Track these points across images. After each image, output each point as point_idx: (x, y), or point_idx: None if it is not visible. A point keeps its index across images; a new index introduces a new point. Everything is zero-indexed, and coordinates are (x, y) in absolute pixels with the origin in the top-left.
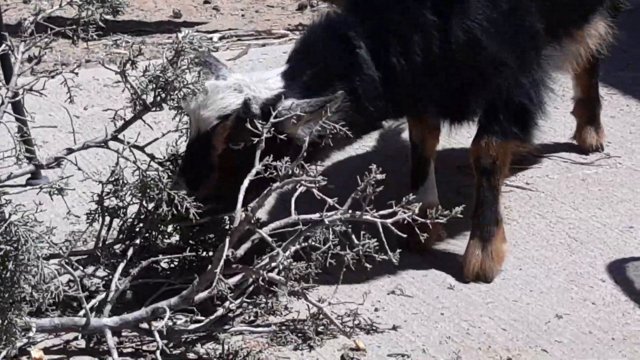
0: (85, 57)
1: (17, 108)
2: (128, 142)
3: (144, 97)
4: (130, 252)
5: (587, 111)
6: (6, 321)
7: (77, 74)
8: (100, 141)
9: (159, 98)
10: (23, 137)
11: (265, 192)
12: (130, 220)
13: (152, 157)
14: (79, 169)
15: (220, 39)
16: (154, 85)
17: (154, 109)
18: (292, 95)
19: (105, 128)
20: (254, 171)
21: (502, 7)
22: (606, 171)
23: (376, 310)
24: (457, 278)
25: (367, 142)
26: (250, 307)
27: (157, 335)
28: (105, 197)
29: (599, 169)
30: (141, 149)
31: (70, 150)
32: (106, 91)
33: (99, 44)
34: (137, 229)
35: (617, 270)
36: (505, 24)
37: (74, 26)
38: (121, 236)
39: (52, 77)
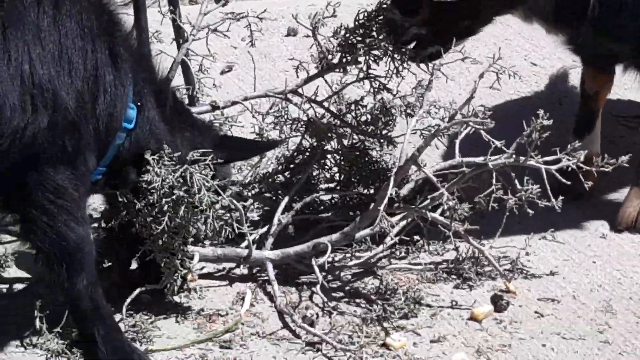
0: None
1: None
2: (306, 96)
3: (329, 57)
4: (293, 188)
5: None
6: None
7: (261, 19)
8: (280, 92)
9: (344, 60)
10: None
11: (433, 131)
12: (290, 152)
13: (329, 111)
14: (254, 115)
15: None
16: (342, 48)
17: (337, 70)
18: None
19: (285, 79)
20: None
21: None
22: None
23: (527, 254)
24: (611, 228)
25: (523, 89)
26: (410, 245)
27: (317, 269)
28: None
29: None
30: (319, 103)
31: (246, 98)
32: (288, 41)
33: None
34: (297, 162)
35: None
36: None
37: None
38: (280, 167)
39: (238, 19)
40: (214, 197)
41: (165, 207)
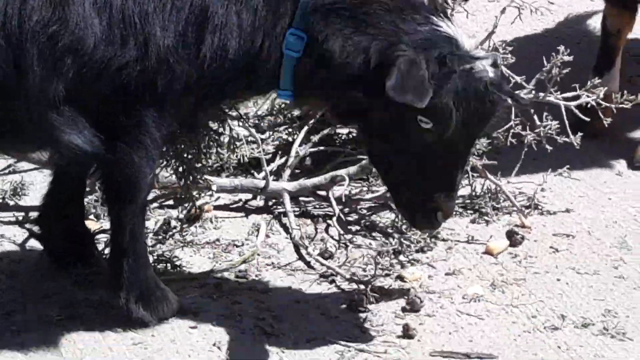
0: None
1: None
2: None
3: None
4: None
5: None
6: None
7: None
8: None
9: None
10: None
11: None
12: None
13: None
14: None
15: None
16: None
17: None
18: None
19: None
20: None
21: None
22: None
23: (543, 190)
24: (628, 165)
25: (541, 27)
26: None
27: (334, 202)
28: None
29: None
30: None
31: None
32: None
33: None
34: None
35: None
36: None
37: None
38: None
39: None
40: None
41: None
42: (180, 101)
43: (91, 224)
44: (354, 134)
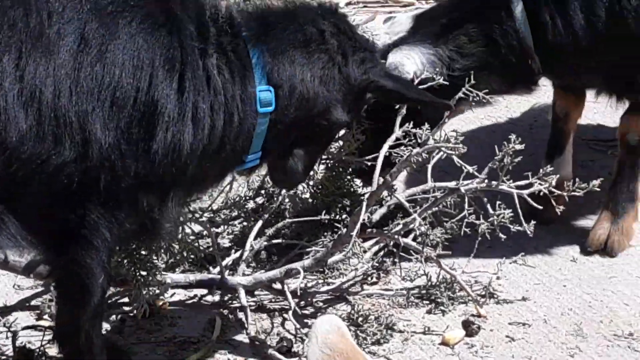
0: None
1: None
2: None
3: None
4: (265, 214)
5: None
6: (143, 275)
7: None
8: None
9: None
10: None
11: (405, 157)
12: (261, 177)
13: None
14: None
15: (347, 4)
16: None
17: None
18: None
19: None
20: (393, 137)
21: None
22: None
23: (498, 278)
24: (581, 251)
25: (496, 113)
26: (382, 271)
27: (289, 295)
28: None
29: None
30: None
31: None
32: None
33: None
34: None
35: None
36: None
37: None
38: (251, 192)
39: None
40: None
41: None
42: (133, 199)
43: (46, 324)
44: (309, 226)
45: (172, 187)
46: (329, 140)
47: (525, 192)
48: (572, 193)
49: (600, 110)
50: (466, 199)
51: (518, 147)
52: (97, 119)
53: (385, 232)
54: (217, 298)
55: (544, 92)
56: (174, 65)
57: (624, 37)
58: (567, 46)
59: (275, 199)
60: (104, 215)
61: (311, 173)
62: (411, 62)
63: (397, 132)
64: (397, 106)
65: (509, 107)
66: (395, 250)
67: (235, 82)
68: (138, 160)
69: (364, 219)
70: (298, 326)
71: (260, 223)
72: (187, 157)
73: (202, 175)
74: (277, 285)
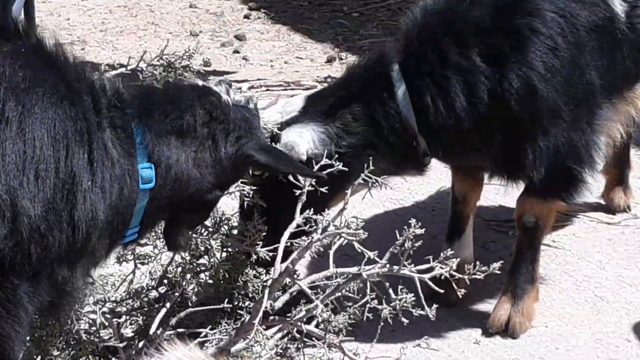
0: None
1: None
2: None
3: None
4: (168, 303)
5: (617, 171)
6: None
7: None
8: None
9: None
10: None
11: (306, 244)
12: (163, 266)
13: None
14: None
15: (249, 88)
16: None
17: None
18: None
19: None
20: (294, 223)
21: (563, 56)
22: (633, 232)
23: None
24: (484, 333)
25: (397, 196)
26: (286, 358)
27: None
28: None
29: (626, 229)
30: None
31: None
32: None
33: None
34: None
35: None
36: (565, 75)
37: None
38: (153, 282)
39: None
40: None
41: None
42: (54, 272)
43: None
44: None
45: (80, 258)
46: (208, 212)
47: (427, 276)
48: (473, 276)
49: (502, 191)
50: (368, 284)
51: (418, 231)
52: (25, 192)
53: (288, 319)
54: None
55: (447, 175)
56: (83, 136)
57: (506, 119)
58: (450, 128)
59: (177, 288)
60: (28, 288)
61: (213, 261)
62: (304, 141)
63: (298, 218)
64: (297, 192)
65: (411, 189)
66: (298, 336)
67: (125, 157)
68: (63, 231)
69: (266, 307)
70: None
71: (163, 312)
72: (100, 226)
73: (99, 246)
74: None
